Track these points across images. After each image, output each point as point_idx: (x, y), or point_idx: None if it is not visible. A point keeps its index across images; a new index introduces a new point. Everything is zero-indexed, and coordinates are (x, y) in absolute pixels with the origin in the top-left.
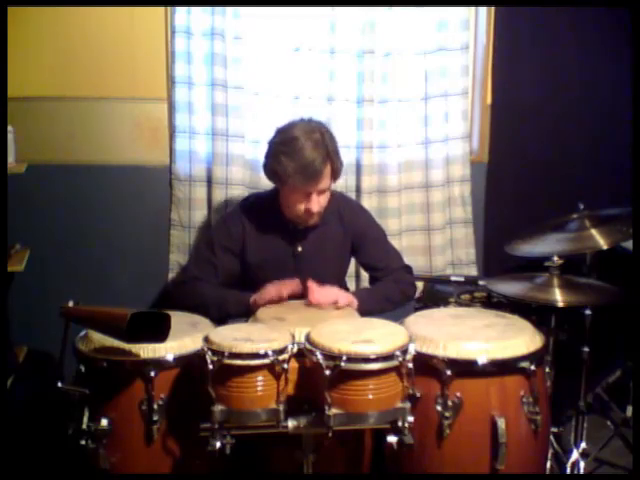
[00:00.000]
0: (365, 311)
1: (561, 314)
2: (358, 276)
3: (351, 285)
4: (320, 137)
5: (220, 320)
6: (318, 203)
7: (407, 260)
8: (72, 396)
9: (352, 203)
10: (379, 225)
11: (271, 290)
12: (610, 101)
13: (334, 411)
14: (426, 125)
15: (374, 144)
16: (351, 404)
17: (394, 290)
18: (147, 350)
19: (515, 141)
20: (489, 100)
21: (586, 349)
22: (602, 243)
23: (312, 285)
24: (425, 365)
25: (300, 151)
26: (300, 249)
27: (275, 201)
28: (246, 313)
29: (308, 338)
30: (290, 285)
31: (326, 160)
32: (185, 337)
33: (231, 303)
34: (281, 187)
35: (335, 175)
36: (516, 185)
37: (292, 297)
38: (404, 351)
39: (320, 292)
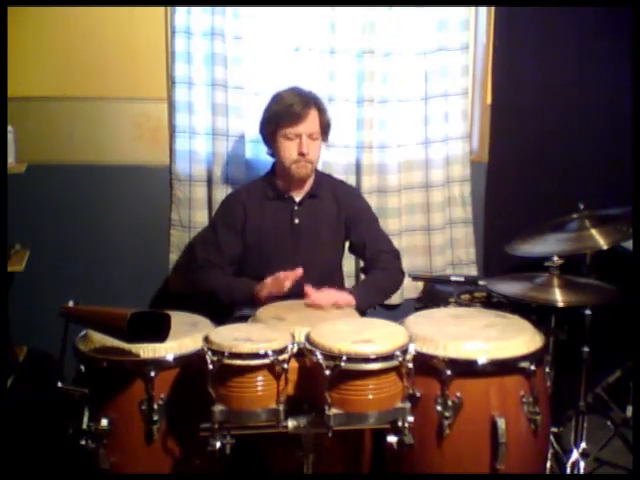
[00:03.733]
0: (363, 307)
1: (561, 314)
2: (358, 276)
3: (351, 285)
4: (306, 91)
5: (228, 306)
6: (309, 147)
7: (407, 260)
8: (72, 396)
9: (348, 186)
10: (373, 211)
11: (274, 280)
12: (610, 101)
13: (334, 411)
14: (426, 125)
15: (374, 144)
16: (351, 404)
17: (386, 280)
18: (147, 350)
19: (515, 141)
20: (489, 100)
21: (586, 349)
22: (602, 243)
23: (310, 290)
24: (425, 365)
25: (285, 98)
26: (297, 221)
27: (272, 178)
28: (252, 300)
29: (308, 338)
30: (292, 275)
31: (310, 103)
32: (185, 337)
33: (239, 290)
34: (275, 138)
35: (324, 124)
36: (516, 185)
37: (293, 295)
38: (404, 351)
39: (319, 295)
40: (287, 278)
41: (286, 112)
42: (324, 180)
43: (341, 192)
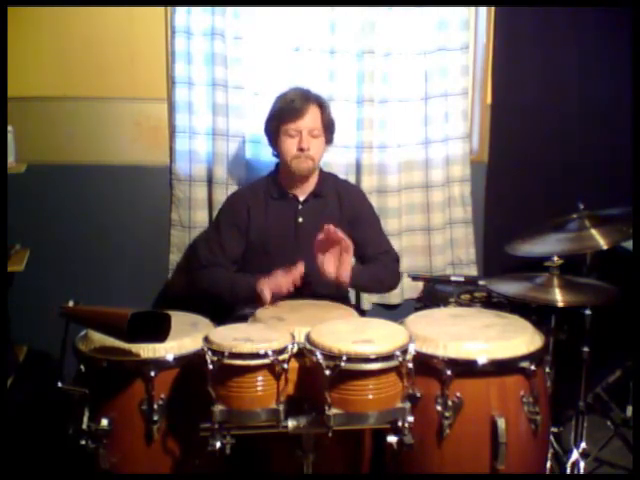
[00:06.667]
0: (355, 284)
1: (561, 314)
2: None
3: None
4: (307, 89)
5: (230, 304)
6: (309, 143)
7: (407, 260)
8: (72, 396)
9: (353, 186)
10: (375, 211)
11: (277, 277)
12: (610, 101)
13: (334, 411)
14: (426, 125)
15: (374, 144)
16: (351, 404)
17: (384, 273)
18: (147, 350)
19: (515, 141)
20: (489, 100)
21: (586, 349)
22: (602, 243)
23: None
24: (425, 365)
25: (287, 95)
26: (301, 220)
27: (276, 177)
28: (253, 297)
29: (308, 338)
30: (294, 273)
31: (309, 99)
32: (185, 337)
33: (241, 287)
34: (277, 135)
35: (325, 122)
36: (516, 185)
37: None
38: (404, 351)
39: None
40: (288, 278)
41: (287, 108)
42: (329, 180)
43: (345, 192)
